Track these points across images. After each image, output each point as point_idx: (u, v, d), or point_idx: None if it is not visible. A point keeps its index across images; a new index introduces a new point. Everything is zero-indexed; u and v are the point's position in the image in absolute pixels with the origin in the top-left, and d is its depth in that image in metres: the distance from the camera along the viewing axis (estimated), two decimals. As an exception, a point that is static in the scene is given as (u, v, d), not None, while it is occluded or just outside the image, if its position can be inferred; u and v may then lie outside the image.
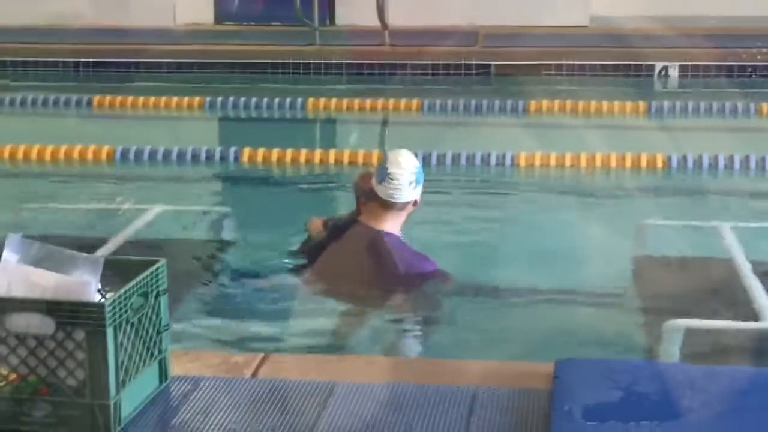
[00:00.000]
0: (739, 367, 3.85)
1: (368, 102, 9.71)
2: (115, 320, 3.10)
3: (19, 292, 3.16)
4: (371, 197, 4.93)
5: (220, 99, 9.87)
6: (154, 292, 3.32)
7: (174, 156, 7.87)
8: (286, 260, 5.31)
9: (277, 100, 9.82)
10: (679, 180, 7.51)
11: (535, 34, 11.93)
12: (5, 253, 3.20)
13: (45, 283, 3.15)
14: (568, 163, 7.67)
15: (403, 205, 4.92)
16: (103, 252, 5.17)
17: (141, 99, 9.90)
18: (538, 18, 12.39)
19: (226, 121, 9.92)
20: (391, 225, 4.95)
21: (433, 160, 7.63)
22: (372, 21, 11.60)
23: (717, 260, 5.54)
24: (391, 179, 4.87)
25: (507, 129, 9.24)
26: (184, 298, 4.91)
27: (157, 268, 3.34)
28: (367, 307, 4.92)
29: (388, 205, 4.91)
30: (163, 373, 3.43)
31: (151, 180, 7.67)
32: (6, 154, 7.91)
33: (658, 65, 11.16)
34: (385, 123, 9.83)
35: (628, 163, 7.63)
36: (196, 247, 5.78)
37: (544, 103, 9.59)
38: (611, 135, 8.81)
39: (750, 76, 10.95)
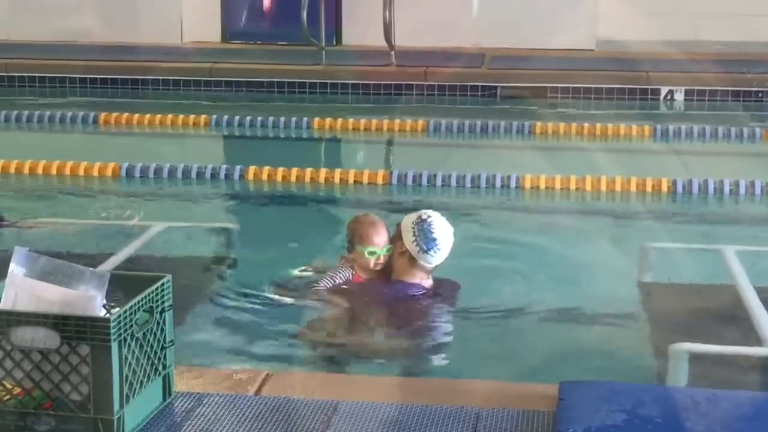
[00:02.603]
0: (743, 391, 3.84)
1: (374, 122, 9.72)
2: (120, 335, 3.11)
3: (24, 305, 3.16)
4: (401, 256, 4.98)
5: (226, 117, 9.89)
6: (159, 308, 3.32)
7: (179, 173, 7.88)
8: (290, 278, 5.32)
9: (283, 119, 9.83)
10: (685, 204, 7.51)
11: (542, 57, 11.96)
12: (12, 266, 3.20)
13: (51, 297, 3.15)
14: (573, 186, 7.67)
15: None
16: (108, 267, 5.18)
17: (147, 116, 9.91)
18: (545, 41, 12.42)
19: (232, 139, 9.93)
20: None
21: (439, 182, 7.64)
22: (379, 41, 11.63)
23: (721, 284, 5.53)
24: (439, 249, 4.94)
25: (512, 151, 9.25)
26: (189, 314, 4.91)
27: (163, 284, 3.35)
28: (373, 327, 4.93)
29: (423, 267, 4.98)
30: (166, 389, 3.43)
31: (156, 197, 7.68)
32: (12, 169, 7.92)
33: (664, 89, 11.18)
34: (390, 143, 9.84)
35: (634, 187, 7.63)
36: (202, 264, 5.79)
37: (550, 125, 9.60)
38: (617, 158, 8.81)
39: (761, 100, 10.95)
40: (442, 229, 4.96)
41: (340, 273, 5.04)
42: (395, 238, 5.02)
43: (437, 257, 4.96)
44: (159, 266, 5.56)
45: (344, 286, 5.03)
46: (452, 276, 5.28)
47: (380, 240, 5.00)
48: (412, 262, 4.97)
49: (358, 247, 5.00)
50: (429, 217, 4.98)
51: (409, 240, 4.94)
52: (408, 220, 5.02)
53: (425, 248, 4.92)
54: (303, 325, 4.94)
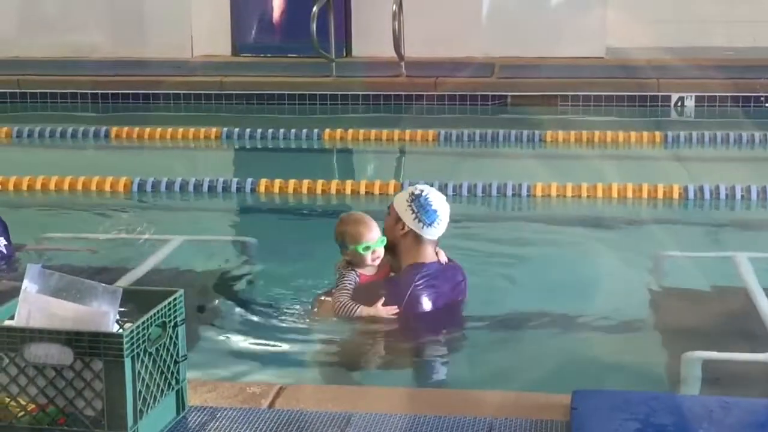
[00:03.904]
0: (757, 399, 3.83)
1: (385, 133, 9.74)
2: (133, 350, 3.12)
3: (38, 322, 3.18)
4: (405, 237, 4.94)
5: (237, 130, 9.92)
6: (172, 323, 3.33)
7: (191, 187, 7.90)
8: (304, 291, 5.33)
9: (293, 131, 9.86)
10: (696, 211, 7.50)
11: (552, 65, 11.97)
12: (25, 283, 3.22)
13: (64, 313, 3.17)
14: (584, 193, 7.67)
15: None
16: (121, 283, 5.19)
17: (158, 130, 9.95)
18: (555, 49, 12.43)
19: (243, 152, 9.96)
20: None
21: (450, 191, 7.63)
22: (388, 52, 11.65)
23: (734, 291, 5.52)
24: (441, 219, 4.94)
25: (523, 160, 9.25)
26: (201, 328, 4.92)
27: (175, 299, 3.36)
28: (385, 337, 4.92)
29: (429, 242, 4.96)
30: (180, 404, 3.43)
31: (167, 211, 7.70)
32: (24, 185, 7.96)
33: (675, 96, 11.17)
34: (401, 154, 9.85)
35: (645, 194, 7.63)
36: (214, 278, 5.79)
37: (560, 133, 9.60)
38: (628, 166, 8.81)
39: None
40: (438, 199, 4.97)
41: (347, 281, 4.97)
42: (393, 222, 4.97)
43: (440, 228, 4.96)
44: (171, 280, 5.58)
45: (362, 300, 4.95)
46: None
47: (372, 234, 4.94)
48: (418, 239, 4.94)
49: (351, 246, 4.93)
50: (422, 191, 4.98)
51: (409, 219, 4.92)
52: (401, 201, 4.98)
53: (428, 222, 4.91)
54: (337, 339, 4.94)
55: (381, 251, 4.96)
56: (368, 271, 5.00)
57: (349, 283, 4.96)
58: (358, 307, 4.87)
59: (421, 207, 4.93)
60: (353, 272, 4.98)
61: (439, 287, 4.94)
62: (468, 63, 12.20)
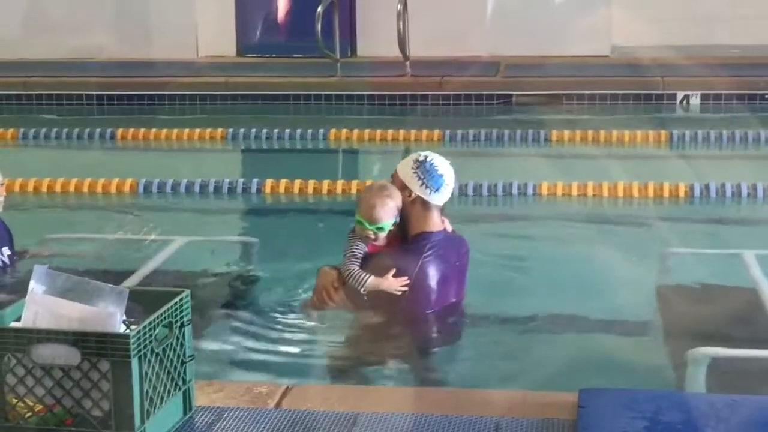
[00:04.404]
0: (764, 396, 3.83)
1: (390, 132, 9.74)
2: (139, 351, 3.12)
3: (45, 323, 3.18)
4: (413, 204, 4.88)
5: (242, 130, 9.93)
6: (179, 323, 3.34)
7: (197, 188, 7.91)
8: (310, 291, 5.32)
9: (299, 131, 9.86)
10: (702, 208, 7.49)
11: (557, 64, 11.96)
12: (32, 284, 3.23)
13: (70, 314, 3.17)
14: (590, 192, 7.67)
15: None
16: (128, 283, 5.20)
17: (164, 131, 9.96)
18: (560, 48, 12.42)
19: (249, 152, 9.96)
20: None
21: (456, 191, 7.58)
22: (393, 52, 11.65)
23: (741, 288, 5.51)
24: (448, 184, 4.92)
25: (529, 159, 9.25)
26: (208, 328, 4.93)
27: (181, 299, 3.36)
28: (391, 337, 4.92)
29: (436, 208, 4.94)
30: (187, 404, 3.44)
31: (173, 211, 7.71)
32: (30, 187, 7.97)
33: (680, 94, 11.16)
34: (407, 153, 9.83)
35: (651, 192, 7.62)
36: (220, 278, 5.80)
37: (566, 132, 9.60)
38: (633, 164, 8.80)
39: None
40: (443, 164, 4.95)
41: (356, 249, 4.86)
42: (398, 190, 4.88)
43: (447, 192, 4.93)
44: (177, 280, 5.59)
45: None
46: (470, 281, 5.28)
47: (383, 216, 4.83)
48: (426, 205, 4.90)
49: (358, 215, 4.86)
50: (426, 157, 4.94)
51: (416, 185, 4.87)
52: (406, 168, 4.92)
53: (435, 187, 4.88)
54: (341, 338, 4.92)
55: (383, 239, 4.89)
56: (379, 241, 4.90)
57: (358, 252, 4.87)
58: (368, 278, 4.81)
59: (427, 172, 4.90)
60: (362, 241, 4.88)
61: (445, 256, 4.92)
62: (473, 62, 12.19)
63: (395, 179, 4.96)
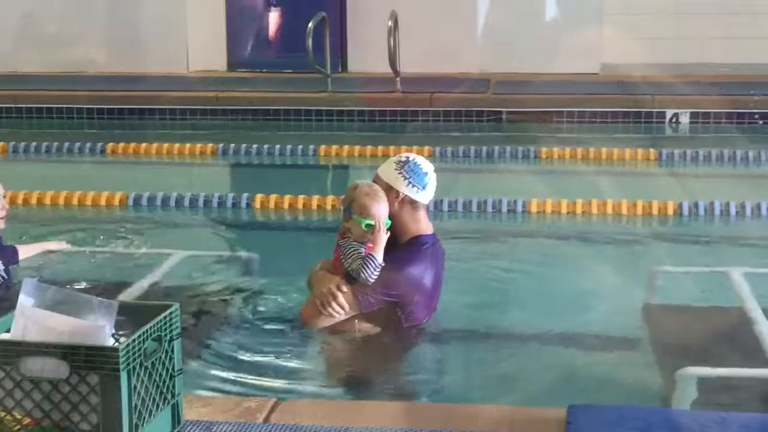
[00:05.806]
0: (751, 414, 3.84)
1: (380, 148, 9.75)
2: (128, 364, 3.11)
3: (34, 335, 3.17)
4: (402, 205, 4.90)
5: (232, 146, 9.93)
6: (168, 337, 3.33)
7: (186, 202, 7.90)
8: (299, 305, 5.32)
9: (289, 146, 9.87)
10: (691, 227, 7.51)
11: (547, 82, 12.01)
12: (21, 296, 3.22)
13: (60, 327, 3.16)
14: (579, 209, 7.68)
15: None
16: (121, 297, 5.19)
17: (154, 146, 9.97)
18: (550, 65, 12.47)
19: (239, 167, 9.97)
20: None
21: (445, 207, 7.65)
22: (384, 68, 11.68)
23: (729, 307, 5.53)
24: (432, 183, 4.98)
25: (518, 176, 9.27)
26: (197, 342, 4.92)
27: (171, 313, 3.35)
28: (381, 350, 4.92)
29: (423, 207, 4.97)
30: (176, 418, 3.43)
31: (163, 226, 7.69)
32: (20, 200, 7.95)
33: (669, 112, 11.21)
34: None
35: (640, 210, 7.64)
36: (209, 292, 5.79)
37: (556, 150, 9.62)
38: (622, 182, 8.83)
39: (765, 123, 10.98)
40: (425, 162, 5.03)
41: (361, 249, 4.83)
42: (384, 192, 4.87)
43: (432, 190, 5.00)
44: (166, 294, 5.58)
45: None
46: (459, 298, 5.28)
47: (381, 212, 4.84)
48: (414, 205, 4.93)
49: (356, 217, 4.85)
50: (408, 157, 5.01)
51: (403, 186, 4.90)
52: (389, 170, 4.95)
53: (422, 185, 4.93)
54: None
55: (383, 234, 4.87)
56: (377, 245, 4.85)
57: (363, 252, 4.85)
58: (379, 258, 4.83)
59: (412, 171, 4.94)
60: (359, 242, 4.86)
61: (436, 261, 4.98)
62: (463, 79, 12.24)
63: (378, 182, 4.96)
